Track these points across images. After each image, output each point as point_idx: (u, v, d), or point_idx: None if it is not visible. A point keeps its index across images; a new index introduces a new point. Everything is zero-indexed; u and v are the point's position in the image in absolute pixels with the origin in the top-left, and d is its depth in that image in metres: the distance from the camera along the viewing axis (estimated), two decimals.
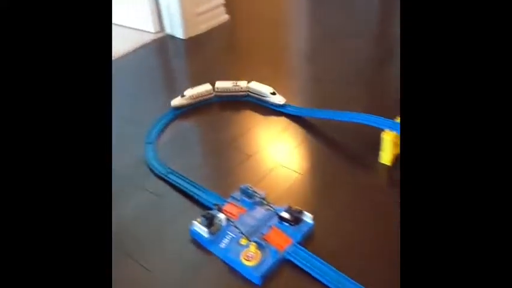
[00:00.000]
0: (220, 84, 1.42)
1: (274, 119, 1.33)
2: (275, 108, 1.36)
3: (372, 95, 1.43)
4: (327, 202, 1.03)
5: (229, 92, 1.42)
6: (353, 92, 1.42)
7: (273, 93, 1.37)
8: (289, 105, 1.35)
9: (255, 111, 1.37)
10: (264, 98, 1.38)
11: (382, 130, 1.10)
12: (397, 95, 1.49)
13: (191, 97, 1.38)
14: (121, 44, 1.84)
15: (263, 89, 1.39)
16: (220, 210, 0.98)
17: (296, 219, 0.93)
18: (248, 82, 1.42)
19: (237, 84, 1.42)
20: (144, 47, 1.83)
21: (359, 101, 1.37)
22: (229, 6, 2.00)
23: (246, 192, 1.02)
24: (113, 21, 2.02)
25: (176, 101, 1.37)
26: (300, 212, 0.95)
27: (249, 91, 1.42)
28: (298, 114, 1.31)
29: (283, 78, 1.56)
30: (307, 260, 0.87)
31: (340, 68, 1.55)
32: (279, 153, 1.20)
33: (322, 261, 0.86)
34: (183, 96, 1.38)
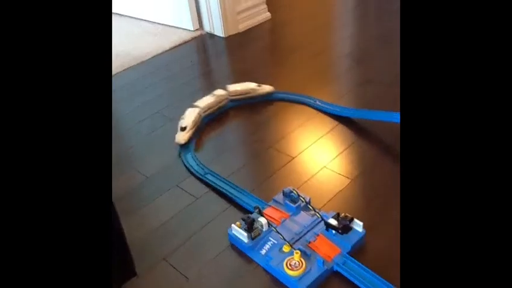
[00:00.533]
0: (202, 103, 1.29)
1: (319, 120, 1.24)
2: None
3: None
4: (379, 210, 0.94)
5: (213, 106, 1.30)
6: None
7: (259, 86, 1.35)
8: (335, 105, 1.27)
9: (299, 113, 1.29)
10: (253, 94, 1.34)
11: None
12: None
13: (190, 127, 1.21)
14: (160, 42, 1.80)
15: (248, 85, 1.36)
16: (260, 213, 0.90)
17: (345, 227, 0.85)
18: (225, 88, 1.35)
19: (216, 94, 1.32)
20: (183, 45, 1.78)
21: None
22: (271, 4, 1.93)
23: (289, 196, 0.94)
24: (151, 19, 2.00)
25: (181, 137, 1.19)
26: (350, 220, 0.86)
27: (231, 95, 1.33)
28: (344, 114, 1.23)
29: (328, 79, 1.48)
30: (357, 273, 0.78)
31: (389, 70, 1.45)
32: (324, 156, 1.11)
33: (374, 274, 0.77)
34: (183, 129, 1.21)
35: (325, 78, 1.48)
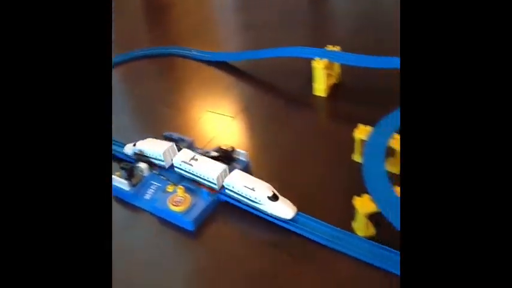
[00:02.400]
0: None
1: (196, 69, 1.22)
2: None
3: (304, 32, 1.34)
4: (262, 141, 0.94)
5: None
6: (286, 32, 1.33)
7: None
8: (212, 52, 1.25)
9: (175, 65, 1.26)
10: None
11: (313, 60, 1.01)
12: (331, 29, 1.42)
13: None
14: None
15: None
16: (141, 160, 0.86)
17: (227, 157, 0.84)
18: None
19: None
20: None
21: (292, 39, 1.28)
22: None
23: (170, 139, 0.91)
24: None
25: (289, 210, 0.73)
26: (232, 150, 0.85)
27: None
28: (224, 59, 1.21)
29: (207, 29, 1.46)
30: None
31: (270, 14, 1.45)
32: (206, 101, 1.09)
33: None
34: (274, 198, 0.73)
35: (204, 29, 1.46)
